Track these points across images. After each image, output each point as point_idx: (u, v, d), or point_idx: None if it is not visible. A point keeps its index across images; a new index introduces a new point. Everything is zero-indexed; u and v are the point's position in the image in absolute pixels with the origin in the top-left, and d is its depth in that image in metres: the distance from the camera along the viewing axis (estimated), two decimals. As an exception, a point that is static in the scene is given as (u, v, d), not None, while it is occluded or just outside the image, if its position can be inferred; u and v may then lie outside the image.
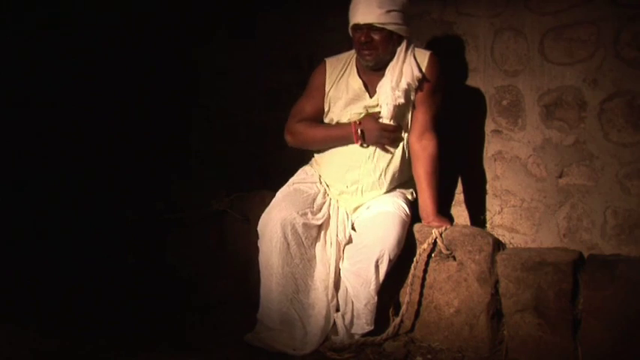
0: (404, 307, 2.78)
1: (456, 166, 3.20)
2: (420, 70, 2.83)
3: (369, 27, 2.79)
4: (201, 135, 4.01)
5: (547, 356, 2.51)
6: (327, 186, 3.00)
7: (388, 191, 2.96)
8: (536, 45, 2.96)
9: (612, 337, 2.37)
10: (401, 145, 2.93)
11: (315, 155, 3.09)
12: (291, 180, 3.02)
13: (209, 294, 3.27)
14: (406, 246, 2.83)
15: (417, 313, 2.80)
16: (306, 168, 3.10)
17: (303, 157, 3.15)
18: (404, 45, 2.85)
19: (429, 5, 3.27)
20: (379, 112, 2.87)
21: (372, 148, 2.91)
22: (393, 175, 2.94)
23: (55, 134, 3.75)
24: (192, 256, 3.43)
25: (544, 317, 2.51)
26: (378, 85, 2.85)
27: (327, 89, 2.97)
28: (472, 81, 3.17)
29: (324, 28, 3.52)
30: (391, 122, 2.86)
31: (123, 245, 3.48)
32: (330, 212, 2.91)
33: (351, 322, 2.79)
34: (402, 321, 2.78)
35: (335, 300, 2.81)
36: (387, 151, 2.91)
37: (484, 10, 3.10)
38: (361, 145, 2.89)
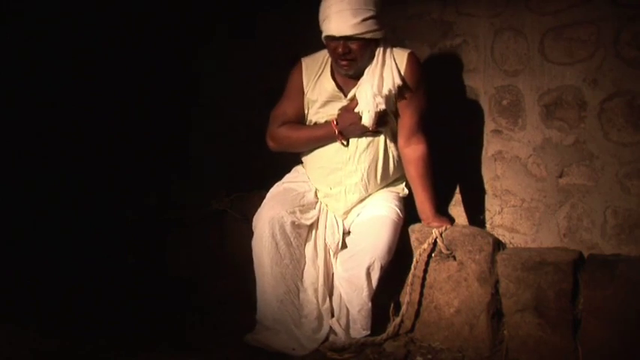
0: (404, 307, 2.78)
1: (456, 166, 3.20)
2: (400, 74, 2.74)
3: (346, 38, 2.67)
4: (201, 135, 4.01)
5: (547, 356, 2.51)
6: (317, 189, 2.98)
7: (374, 192, 2.94)
8: (536, 45, 2.96)
9: (612, 336, 2.37)
10: (382, 145, 2.87)
11: (302, 158, 3.05)
12: (282, 179, 3.02)
13: (209, 294, 3.27)
14: (405, 246, 2.84)
15: (417, 313, 2.80)
16: (298, 167, 3.09)
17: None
18: (381, 49, 2.75)
19: (429, 5, 3.27)
20: (353, 101, 2.79)
21: (352, 150, 2.85)
22: (377, 176, 2.90)
23: (55, 134, 3.76)
24: (192, 256, 3.43)
25: (544, 317, 2.51)
26: (358, 91, 2.76)
27: (305, 91, 2.90)
28: (472, 81, 3.17)
29: (324, 28, 3.52)
30: (372, 128, 2.77)
31: (123, 245, 3.49)
32: (320, 214, 2.89)
33: (347, 327, 2.79)
34: (402, 321, 2.78)
35: (327, 303, 2.80)
36: (368, 150, 2.85)
37: (484, 10, 3.10)
38: (342, 143, 2.84)
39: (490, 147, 3.14)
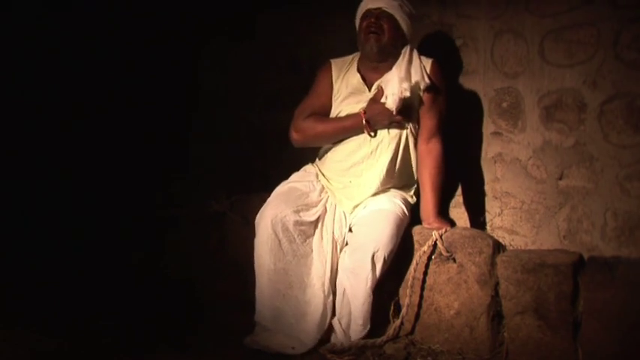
0: (404, 310, 2.78)
1: (456, 168, 3.20)
2: (427, 72, 2.88)
3: (379, 13, 2.88)
4: (201, 136, 4.00)
5: (547, 358, 2.51)
6: (328, 180, 3.00)
7: (389, 188, 2.97)
8: (536, 47, 2.96)
9: (612, 338, 2.37)
10: (403, 141, 2.94)
11: (319, 153, 3.09)
12: (289, 178, 3.03)
13: (209, 294, 3.27)
14: (405, 248, 2.84)
15: (417, 315, 2.80)
16: (307, 166, 3.11)
17: (303, 158, 3.15)
18: (408, 48, 2.91)
19: (429, 8, 3.27)
20: (379, 91, 2.89)
21: (374, 144, 2.92)
22: (394, 172, 2.96)
23: (56, 134, 3.75)
24: (192, 256, 3.43)
25: (544, 319, 2.51)
26: (384, 79, 2.87)
27: (334, 85, 3.01)
28: (472, 83, 3.18)
29: (324, 29, 3.53)
30: (395, 113, 2.83)
31: (124, 245, 3.48)
32: (327, 207, 2.92)
33: (348, 327, 2.79)
34: (402, 323, 2.79)
35: (331, 298, 2.81)
36: (390, 146, 2.92)
37: (484, 13, 3.10)
38: (369, 134, 2.90)
39: (490, 149, 3.15)
